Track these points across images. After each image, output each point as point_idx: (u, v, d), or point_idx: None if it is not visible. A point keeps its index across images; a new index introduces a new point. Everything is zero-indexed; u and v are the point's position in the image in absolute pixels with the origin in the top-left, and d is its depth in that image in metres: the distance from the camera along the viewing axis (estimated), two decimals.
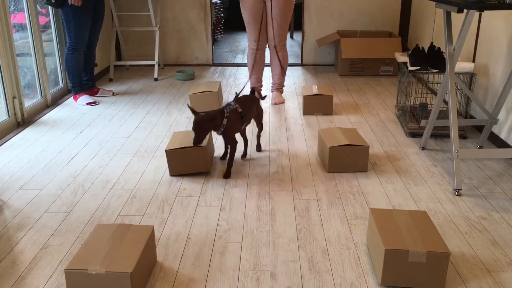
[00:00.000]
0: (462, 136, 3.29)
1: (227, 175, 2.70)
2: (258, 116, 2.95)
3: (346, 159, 2.75)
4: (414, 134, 3.33)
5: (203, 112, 2.57)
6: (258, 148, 3.07)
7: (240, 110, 2.68)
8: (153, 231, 1.91)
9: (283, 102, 4.16)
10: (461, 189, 2.52)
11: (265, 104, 4.10)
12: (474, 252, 2.02)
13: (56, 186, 2.61)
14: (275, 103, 4.12)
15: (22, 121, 3.60)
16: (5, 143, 3.23)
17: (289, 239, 2.11)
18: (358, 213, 2.33)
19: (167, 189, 2.57)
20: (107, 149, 3.14)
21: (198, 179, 2.68)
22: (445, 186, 2.61)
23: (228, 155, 2.73)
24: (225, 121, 2.57)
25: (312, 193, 2.53)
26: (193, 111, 2.53)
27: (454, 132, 2.58)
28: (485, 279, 1.85)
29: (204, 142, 2.64)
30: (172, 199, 2.47)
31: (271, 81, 4.26)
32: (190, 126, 3.56)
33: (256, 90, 2.98)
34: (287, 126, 3.58)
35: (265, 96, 3.16)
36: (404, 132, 3.42)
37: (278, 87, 4.21)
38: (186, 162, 2.69)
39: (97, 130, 3.48)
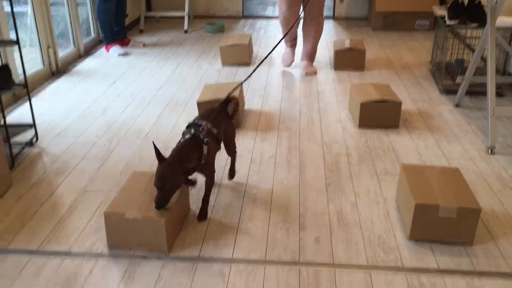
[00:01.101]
0: (499, 94, 3.20)
1: (202, 216, 1.96)
2: (228, 135, 2.11)
3: (377, 115, 2.73)
4: (449, 91, 3.25)
5: (165, 158, 1.75)
6: (231, 173, 2.22)
7: (215, 131, 1.90)
8: None
9: (315, 73, 3.66)
10: (495, 147, 2.48)
11: (294, 69, 4.05)
12: (505, 210, 2.02)
13: (92, 134, 2.68)
14: (306, 74, 3.66)
15: (57, 70, 3.66)
16: (41, 92, 3.31)
17: (318, 192, 2.14)
18: (388, 169, 2.33)
19: None
20: (139, 100, 3.18)
21: None
22: (479, 144, 2.57)
23: (205, 189, 1.97)
24: (205, 149, 1.81)
25: (342, 148, 2.53)
26: (158, 155, 1.72)
27: (491, 89, 2.51)
28: None
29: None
30: None
31: (302, 48, 3.78)
32: (220, 79, 3.57)
33: (231, 102, 2.08)
34: (318, 81, 3.54)
35: (234, 111, 2.10)
36: (438, 89, 3.35)
37: (310, 55, 3.72)
38: None
39: (129, 81, 3.52)
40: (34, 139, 2.57)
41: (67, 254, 1.76)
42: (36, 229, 1.89)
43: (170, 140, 2.61)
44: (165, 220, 1.71)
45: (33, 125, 2.57)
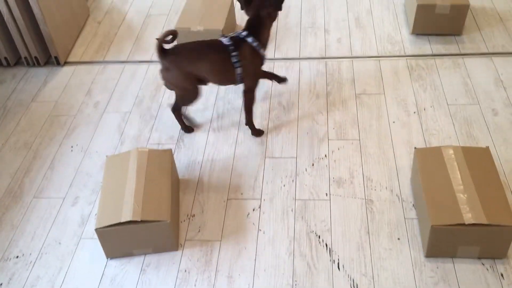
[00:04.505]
0: None
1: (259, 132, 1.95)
2: None
3: None
4: None
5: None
6: None
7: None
8: None
9: None
10: None
11: None
12: (493, 5, 2.45)
13: None
14: None
15: None
16: None
17: (340, 3, 2.58)
18: None
19: None
20: None
21: None
22: None
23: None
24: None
25: None
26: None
27: None
28: (497, 27, 2.32)
29: None
30: None
31: None
32: None
33: None
34: None
35: None
36: None
37: None
38: None
39: None
40: None
41: (150, 61, 2.34)
42: (121, 46, 2.44)
43: None
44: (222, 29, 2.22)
45: None
